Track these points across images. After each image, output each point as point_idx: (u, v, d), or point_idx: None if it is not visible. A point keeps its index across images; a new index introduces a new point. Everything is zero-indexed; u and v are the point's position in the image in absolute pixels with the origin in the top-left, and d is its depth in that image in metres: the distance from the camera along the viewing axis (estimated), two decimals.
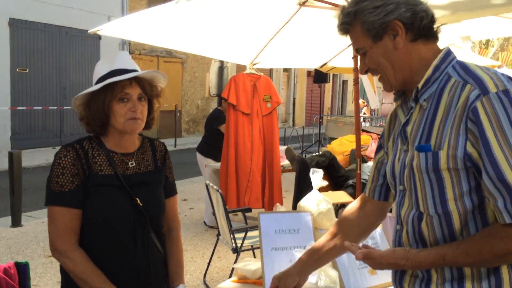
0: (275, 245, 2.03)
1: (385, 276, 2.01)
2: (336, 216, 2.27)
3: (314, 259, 1.55)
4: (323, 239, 1.57)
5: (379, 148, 1.52)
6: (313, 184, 2.20)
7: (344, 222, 1.56)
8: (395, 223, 1.35)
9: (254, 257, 4.17)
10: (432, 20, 1.25)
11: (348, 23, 1.29)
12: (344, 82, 26.38)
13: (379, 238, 2.14)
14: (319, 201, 2.17)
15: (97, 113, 1.59)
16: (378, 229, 2.16)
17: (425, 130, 1.21)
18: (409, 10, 1.22)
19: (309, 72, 22.42)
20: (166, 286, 1.77)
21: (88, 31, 3.68)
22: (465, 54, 7.32)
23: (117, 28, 3.71)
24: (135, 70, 1.63)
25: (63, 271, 1.64)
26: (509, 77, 1.15)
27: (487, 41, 19.83)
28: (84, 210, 1.59)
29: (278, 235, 2.06)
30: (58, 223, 1.56)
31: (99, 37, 13.59)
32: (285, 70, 21.14)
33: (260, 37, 4.75)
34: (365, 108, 16.86)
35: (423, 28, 1.24)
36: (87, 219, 1.59)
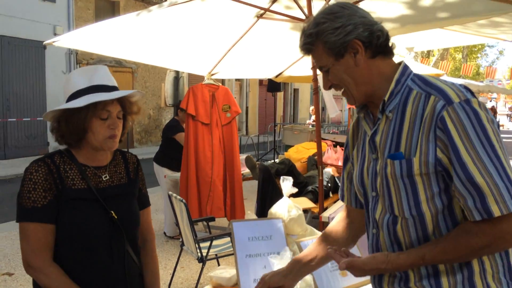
0: (249, 252, 2.07)
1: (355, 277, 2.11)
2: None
3: (299, 267, 1.59)
4: (311, 247, 1.62)
5: (346, 160, 1.59)
6: (284, 191, 2.26)
7: (332, 231, 1.63)
8: (370, 228, 1.42)
9: (219, 265, 4.19)
10: (387, 37, 1.35)
11: (310, 43, 1.35)
12: (295, 91, 26.90)
13: None
14: (290, 207, 2.23)
15: (76, 129, 1.56)
16: None
17: (393, 140, 1.29)
18: (367, 30, 1.31)
19: (260, 81, 22.68)
20: None
21: (44, 43, 3.57)
22: (408, 63, 7.69)
23: (74, 40, 3.63)
24: (115, 86, 1.62)
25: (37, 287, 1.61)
26: (465, 87, 1.25)
27: (428, 51, 20.97)
28: (58, 225, 1.56)
29: (252, 242, 2.10)
30: (32, 240, 1.52)
31: (44, 46, 13.10)
32: (237, 79, 21.27)
33: (218, 48, 4.80)
34: (313, 116, 17.24)
35: (380, 45, 1.33)
36: (62, 234, 1.56)
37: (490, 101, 37.79)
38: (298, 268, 1.59)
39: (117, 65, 15.66)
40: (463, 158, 1.15)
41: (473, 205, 1.15)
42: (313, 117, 16.69)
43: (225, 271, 2.13)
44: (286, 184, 2.24)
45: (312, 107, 15.50)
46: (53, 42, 3.44)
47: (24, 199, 1.53)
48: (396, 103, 1.31)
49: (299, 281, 1.83)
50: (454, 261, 1.23)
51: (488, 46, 35.77)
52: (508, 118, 46.24)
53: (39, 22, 12.58)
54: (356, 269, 1.28)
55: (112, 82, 1.64)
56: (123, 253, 1.66)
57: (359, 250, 2.17)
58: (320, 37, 1.33)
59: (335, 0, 3.87)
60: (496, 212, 1.12)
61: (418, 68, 8.88)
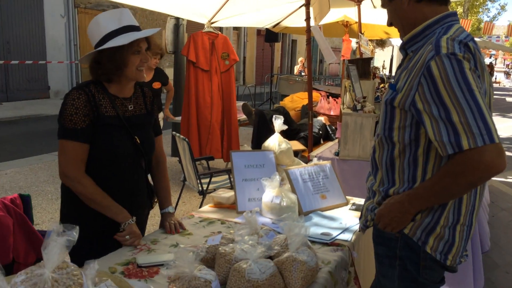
0: (245, 177, 2.46)
1: (333, 200, 2.52)
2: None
3: None
4: None
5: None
6: (275, 128, 2.62)
7: None
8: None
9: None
10: None
11: None
12: (293, 42, 26.76)
13: (329, 171, 2.62)
14: (280, 141, 2.61)
15: (119, 64, 1.84)
16: (328, 164, 2.64)
17: (398, 75, 1.55)
18: None
19: (259, 31, 22.53)
20: (148, 206, 2.17)
21: None
22: None
23: None
24: (139, 26, 1.91)
25: (64, 196, 1.98)
26: (464, 44, 1.41)
27: None
28: (93, 145, 1.88)
29: (247, 169, 2.49)
30: (70, 154, 1.84)
31: None
32: (235, 28, 21.13)
33: None
34: (299, 66, 17.10)
35: None
36: (96, 152, 1.88)
37: (490, 57, 37.63)
38: None
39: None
40: (444, 99, 1.35)
41: (447, 139, 1.35)
42: (298, 67, 16.64)
43: (224, 192, 2.53)
44: (278, 122, 2.60)
45: (301, 58, 15.47)
46: None
47: (66, 121, 1.80)
48: (419, 46, 1.52)
49: (286, 199, 2.24)
50: (437, 194, 1.46)
51: (490, 1, 35.18)
52: (505, 75, 46.24)
53: None
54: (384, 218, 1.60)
55: (136, 23, 1.92)
56: (141, 171, 2.04)
57: (334, 170, 2.58)
58: None
59: None
60: (466, 146, 1.32)
61: None
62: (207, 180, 4.14)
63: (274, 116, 2.61)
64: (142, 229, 2.14)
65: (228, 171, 4.06)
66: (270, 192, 2.23)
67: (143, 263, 1.73)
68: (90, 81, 1.93)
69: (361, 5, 6.17)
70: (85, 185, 1.87)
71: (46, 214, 4.58)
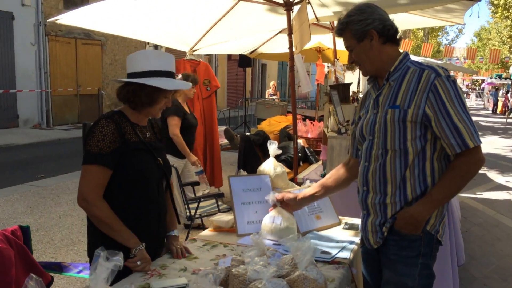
0: (243, 200, 2.55)
1: (327, 220, 2.64)
2: None
3: (308, 197, 2.28)
4: (316, 185, 2.29)
5: (353, 123, 2.22)
6: (270, 152, 2.74)
7: (334, 174, 2.28)
8: (363, 162, 2.00)
9: (203, 224, 4.67)
10: (396, 31, 1.92)
11: (342, 29, 1.95)
12: (263, 66, 27.25)
13: None
14: (275, 165, 2.72)
15: (151, 101, 2.00)
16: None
17: (392, 98, 1.87)
18: (381, 24, 1.88)
19: (229, 56, 22.84)
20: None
21: (48, 20, 3.83)
22: None
23: (75, 17, 3.92)
24: (175, 73, 2.08)
25: (91, 223, 2.05)
26: (443, 67, 1.84)
27: None
28: (122, 170, 1.96)
29: (245, 193, 2.58)
30: (91, 178, 1.92)
31: (12, 17, 12.89)
32: (206, 54, 21.37)
33: (200, 27, 5.15)
34: (270, 90, 17.36)
35: (390, 35, 1.90)
36: (127, 176, 1.98)
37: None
38: (308, 197, 2.28)
39: (85, 37, 15.52)
40: (449, 111, 1.75)
41: (455, 141, 1.75)
42: (270, 90, 16.92)
43: (224, 216, 2.60)
44: (272, 147, 2.72)
45: (273, 82, 15.80)
46: (56, 19, 3.71)
47: (93, 147, 1.90)
48: (397, 76, 1.89)
49: (285, 220, 2.33)
50: (451, 192, 1.84)
51: (448, 25, 37.01)
52: (465, 95, 48.25)
53: None
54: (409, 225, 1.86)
55: (175, 69, 2.08)
56: (164, 190, 2.18)
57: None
58: (349, 26, 1.91)
59: None
60: (471, 144, 1.73)
61: None
62: (195, 205, 4.19)
63: (269, 141, 2.73)
64: (162, 245, 2.23)
65: (216, 196, 4.13)
66: (271, 214, 2.32)
67: None
68: (113, 112, 2.05)
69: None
70: (101, 208, 1.94)
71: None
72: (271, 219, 2.31)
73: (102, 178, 1.95)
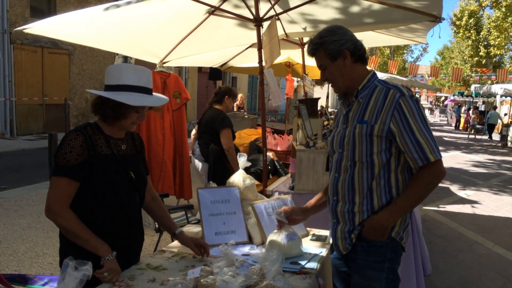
0: (211, 212, 2.57)
1: (295, 231, 2.67)
2: None
3: (315, 206, 2.34)
4: (317, 196, 2.37)
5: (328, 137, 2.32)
6: (239, 165, 2.77)
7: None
8: (333, 173, 2.11)
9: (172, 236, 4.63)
10: (365, 51, 2.06)
11: (315, 49, 2.05)
12: (234, 79, 27.38)
13: (290, 204, 2.78)
14: (245, 178, 2.75)
15: (119, 115, 2.00)
16: (289, 198, 2.82)
17: (360, 114, 2.00)
18: (353, 44, 2.02)
19: (199, 68, 22.87)
20: (142, 238, 2.28)
21: (14, 29, 3.77)
22: None
23: (43, 27, 3.87)
24: (151, 89, 2.08)
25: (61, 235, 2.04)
26: (407, 87, 1.99)
27: None
28: (91, 181, 1.96)
29: (214, 205, 2.60)
30: (57, 190, 1.93)
31: None
32: (176, 66, 21.32)
33: (170, 39, 5.16)
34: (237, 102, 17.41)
35: (361, 55, 2.04)
36: (94, 188, 1.97)
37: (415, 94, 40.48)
38: (310, 208, 2.34)
39: (52, 46, 15.23)
40: (412, 127, 1.89)
41: (417, 155, 1.89)
42: (238, 102, 16.99)
43: (193, 227, 2.61)
44: (242, 159, 2.76)
45: (240, 95, 15.88)
46: (24, 29, 3.66)
47: (60, 159, 1.92)
48: (366, 93, 2.02)
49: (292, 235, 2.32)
50: (414, 201, 1.95)
51: (413, 44, 38.27)
52: (429, 111, 49.82)
53: None
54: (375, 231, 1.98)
55: (151, 85, 2.07)
56: (136, 203, 2.17)
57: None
58: (323, 46, 2.02)
59: (280, 3, 4.41)
60: (432, 158, 1.87)
61: None
62: None
63: (238, 154, 2.77)
64: (137, 258, 2.25)
65: (185, 208, 4.12)
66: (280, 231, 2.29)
67: None
68: (87, 124, 2.06)
69: (304, 48, 6.61)
70: (67, 219, 1.94)
71: None
72: (286, 237, 2.27)
73: (68, 189, 1.95)
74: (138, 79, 2.00)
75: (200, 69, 22.87)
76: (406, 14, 4.26)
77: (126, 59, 6.68)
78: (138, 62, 7.18)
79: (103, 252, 1.94)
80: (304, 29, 4.86)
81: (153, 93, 2.11)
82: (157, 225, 4.07)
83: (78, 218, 1.95)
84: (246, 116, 8.56)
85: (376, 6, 4.24)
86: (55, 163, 1.95)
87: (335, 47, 2.00)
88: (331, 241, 2.23)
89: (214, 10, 4.67)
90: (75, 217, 1.95)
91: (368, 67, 2.13)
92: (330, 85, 2.13)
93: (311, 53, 2.08)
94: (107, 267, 1.92)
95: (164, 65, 5.66)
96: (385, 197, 1.99)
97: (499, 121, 23.09)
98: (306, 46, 6.45)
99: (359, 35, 2.14)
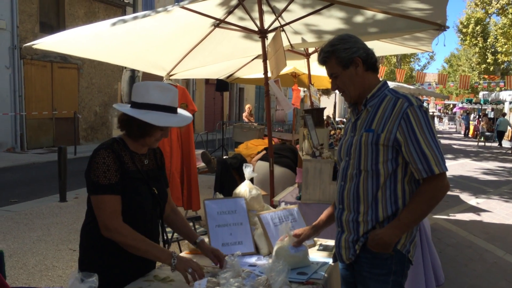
0: (218, 223, 2.58)
1: None
2: None
3: (326, 222, 2.34)
4: (327, 211, 2.35)
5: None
6: (245, 176, 2.78)
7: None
8: (339, 181, 2.11)
9: (180, 247, 4.64)
10: (376, 60, 2.04)
11: (327, 57, 2.02)
12: (241, 90, 27.52)
13: (296, 215, 2.79)
14: (251, 188, 2.76)
15: (144, 133, 2.04)
16: (295, 208, 2.82)
17: (368, 122, 1.98)
18: (365, 52, 1.99)
19: (207, 80, 23.03)
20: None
21: (24, 45, 3.84)
22: None
23: (53, 42, 3.94)
24: (177, 108, 2.11)
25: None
26: (417, 97, 1.99)
27: None
28: (122, 196, 2.01)
29: (220, 216, 2.61)
30: (108, 208, 1.97)
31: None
32: (184, 78, 21.48)
33: (177, 52, 5.23)
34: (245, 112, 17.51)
35: (372, 63, 2.02)
36: (123, 203, 2.02)
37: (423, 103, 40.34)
38: (322, 225, 2.34)
39: (62, 61, 15.44)
40: (418, 138, 1.86)
41: (422, 167, 1.86)
42: (245, 113, 17.05)
43: None
44: (248, 170, 2.77)
45: (248, 105, 15.94)
46: (33, 44, 3.73)
47: (101, 178, 1.96)
48: (375, 102, 2.00)
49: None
50: (418, 216, 1.91)
51: (420, 52, 38.27)
52: (438, 119, 49.56)
53: None
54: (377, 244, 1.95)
55: (177, 103, 2.12)
56: (157, 215, 2.22)
57: (301, 214, 2.75)
58: (334, 54, 1.99)
59: (284, 15, 4.45)
60: (436, 171, 1.83)
61: None
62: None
63: (244, 164, 2.78)
64: (153, 268, 2.27)
65: (193, 219, 4.13)
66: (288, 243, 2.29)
67: None
68: (113, 140, 2.10)
69: (310, 58, 6.64)
70: (125, 234, 1.99)
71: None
72: (293, 248, 2.27)
73: (117, 205, 2.00)
74: (164, 98, 2.04)
75: (207, 80, 23.03)
76: (410, 23, 4.28)
77: (133, 72, 6.75)
78: (145, 75, 7.26)
79: (165, 259, 2.00)
80: (311, 42, 4.90)
81: (178, 110, 2.14)
82: (165, 237, 4.08)
83: (134, 231, 2.00)
84: (253, 127, 8.59)
85: (380, 15, 4.26)
86: (95, 182, 1.97)
87: (346, 55, 1.97)
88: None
89: (219, 23, 4.73)
90: (131, 230, 2.00)
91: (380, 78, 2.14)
92: (340, 94, 2.09)
93: (322, 61, 2.05)
94: (180, 269, 1.96)
95: (171, 77, 5.72)
96: (391, 208, 1.96)
97: (509, 128, 22.90)
98: (311, 56, 6.51)
99: (370, 47, 2.13)
